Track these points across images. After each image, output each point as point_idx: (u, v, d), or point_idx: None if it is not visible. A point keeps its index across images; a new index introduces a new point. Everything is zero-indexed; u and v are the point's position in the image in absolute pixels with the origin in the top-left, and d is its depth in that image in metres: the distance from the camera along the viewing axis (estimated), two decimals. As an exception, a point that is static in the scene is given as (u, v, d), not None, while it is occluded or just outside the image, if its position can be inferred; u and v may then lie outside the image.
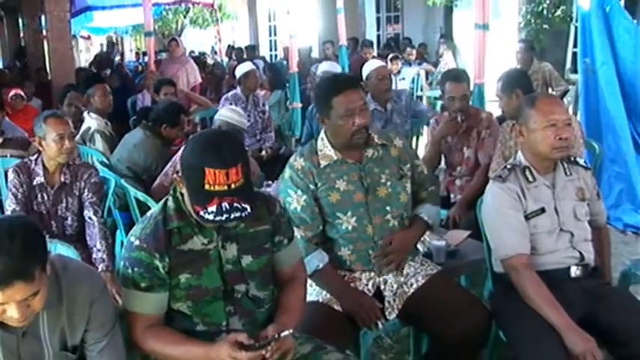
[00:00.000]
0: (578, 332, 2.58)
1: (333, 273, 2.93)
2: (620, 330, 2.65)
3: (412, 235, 3.08)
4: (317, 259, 2.86)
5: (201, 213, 2.10)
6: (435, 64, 12.20)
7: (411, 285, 2.94)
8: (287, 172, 2.98)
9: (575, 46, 7.08)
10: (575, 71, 7.35)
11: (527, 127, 2.91)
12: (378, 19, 16.61)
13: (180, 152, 4.41)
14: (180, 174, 2.21)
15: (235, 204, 2.08)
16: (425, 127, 5.48)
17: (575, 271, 2.90)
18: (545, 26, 8.51)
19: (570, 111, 7.10)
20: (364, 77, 5.51)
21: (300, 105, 8.70)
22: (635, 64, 6.04)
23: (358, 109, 2.85)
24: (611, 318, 2.72)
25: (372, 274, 2.95)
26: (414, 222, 3.11)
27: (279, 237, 2.42)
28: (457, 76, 4.64)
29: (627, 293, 3.19)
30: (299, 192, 2.91)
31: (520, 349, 2.68)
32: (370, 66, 5.56)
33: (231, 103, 6.46)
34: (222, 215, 2.07)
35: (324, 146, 2.97)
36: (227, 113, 4.96)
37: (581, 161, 3.10)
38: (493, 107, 5.47)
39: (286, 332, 2.16)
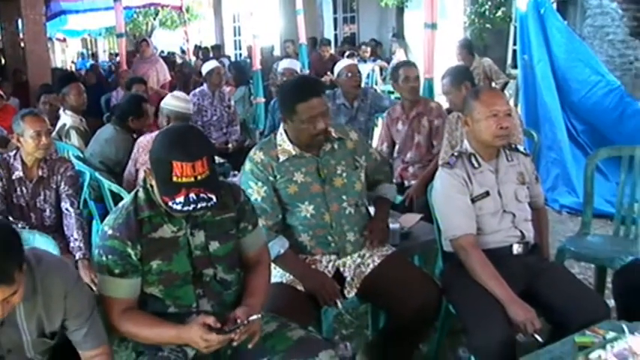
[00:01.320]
0: (519, 304, 2.62)
1: (294, 257, 2.92)
2: (557, 300, 2.70)
3: (383, 216, 3.17)
4: (278, 245, 2.86)
5: (170, 203, 2.09)
6: (388, 61, 12.22)
7: (368, 265, 2.94)
8: (247, 165, 2.95)
9: (514, 44, 7.19)
10: (515, 67, 7.47)
11: (471, 117, 2.94)
12: (335, 20, 16.58)
13: (135, 149, 4.40)
14: (149, 167, 2.20)
15: (202, 194, 2.08)
16: (380, 119, 5.50)
17: (517, 249, 2.95)
18: (488, 26, 8.60)
19: (512, 103, 7.20)
20: (335, 74, 5.51)
21: (263, 100, 8.68)
22: (567, 60, 6.18)
23: (320, 115, 2.83)
24: (549, 290, 2.76)
25: (332, 256, 2.94)
26: (378, 202, 3.20)
27: (244, 223, 2.41)
28: (408, 62, 4.93)
29: (562, 267, 3.25)
30: (259, 183, 2.89)
31: (468, 321, 2.71)
32: (341, 64, 5.56)
33: (198, 99, 6.45)
34: (189, 205, 2.08)
35: (283, 141, 2.94)
36: (172, 102, 4.59)
37: (521, 148, 3.14)
38: (442, 100, 5.52)
39: (254, 317, 2.18)
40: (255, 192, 2.88)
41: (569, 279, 2.92)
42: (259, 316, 2.22)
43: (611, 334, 2.27)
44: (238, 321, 2.16)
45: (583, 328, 2.38)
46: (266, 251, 2.60)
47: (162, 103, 4.66)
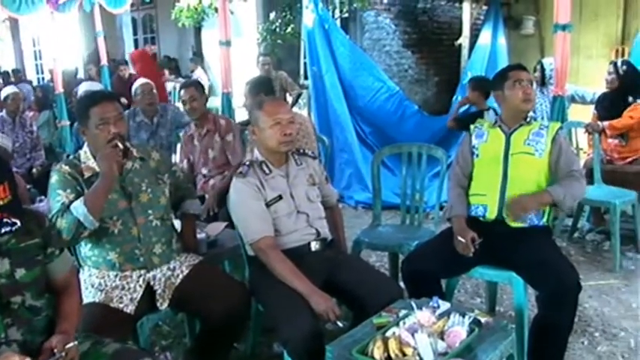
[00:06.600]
0: (320, 295, 2.71)
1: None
2: (355, 288, 2.82)
3: (191, 230, 3.24)
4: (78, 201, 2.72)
5: None
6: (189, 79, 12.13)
7: (178, 276, 2.90)
8: (54, 177, 2.79)
9: (305, 57, 7.45)
10: (307, 78, 7.73)
11: (257, 127, 3.00)
12: (135, 41, 16.12)
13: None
14: None
15: (5, 219, 1.99)
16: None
17: (314, 246, 3.03)
18: (279, 41, 8.80)
19: (306, 112, 7.45)
20: (133, 93, 5.38)
21: (68, 123, 8.31)
22: (352, 70, 6.54)
23: (113, 119, 2.77)
24: (347, 279, 2.88)
25: (142, 271, 2.87)
26: (185, 219, 3.21)
27: (50, 249, 2.29)
28: (186, 82, 4.92)
29: (359, 258, 3.42)
30: (68, 190, 2.74)
31: (276, 317, 2.75)
32: (137, 83, 5.44)
33: (-2, 127, 6.04)
34: None
35: (87, 159, 2.84)
36: None
37: (309, 152, 3.24)
38: (241, 112, 5.59)
39: (71, 344, 2.09)
40: (64, 197, 2.72)
41: (365, 267, 3.08)
42: (76, 343, 2.13)
43: (403, 312, 2.44)
44: (55, 351, 2.06)
45: (380, 310, 2.53)
46: (75, 274, 2.48)
47: None
